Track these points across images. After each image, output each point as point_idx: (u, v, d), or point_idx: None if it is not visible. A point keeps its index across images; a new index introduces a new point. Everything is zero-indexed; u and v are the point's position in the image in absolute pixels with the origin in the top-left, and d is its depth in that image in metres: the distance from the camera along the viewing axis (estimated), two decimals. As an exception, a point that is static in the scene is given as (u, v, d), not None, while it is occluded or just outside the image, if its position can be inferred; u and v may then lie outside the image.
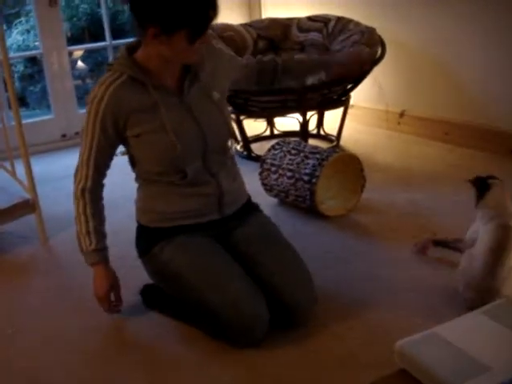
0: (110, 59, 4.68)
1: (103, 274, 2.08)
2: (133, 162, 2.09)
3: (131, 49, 1.99)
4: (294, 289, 2.00)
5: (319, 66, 2.68)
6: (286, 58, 2.24)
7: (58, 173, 3.78)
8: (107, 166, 2.07)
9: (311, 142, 3.83)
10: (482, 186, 2.12)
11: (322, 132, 4.12)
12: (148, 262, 2.12)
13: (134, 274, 2.26)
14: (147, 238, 2.11)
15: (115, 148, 2.04)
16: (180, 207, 2.07)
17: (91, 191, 2.04)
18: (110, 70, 1.96)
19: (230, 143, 2.17)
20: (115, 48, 4.66)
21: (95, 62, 6.20)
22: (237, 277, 1.98)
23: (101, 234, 2.07)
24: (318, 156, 2.85)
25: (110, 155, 2.05)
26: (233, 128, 2.16)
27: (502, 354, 0.98)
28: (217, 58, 2.12)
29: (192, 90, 2.03)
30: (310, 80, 3.46)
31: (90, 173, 2.02)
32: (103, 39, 4.70)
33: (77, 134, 4.38)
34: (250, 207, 2.26)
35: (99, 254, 2.06)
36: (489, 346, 1.01)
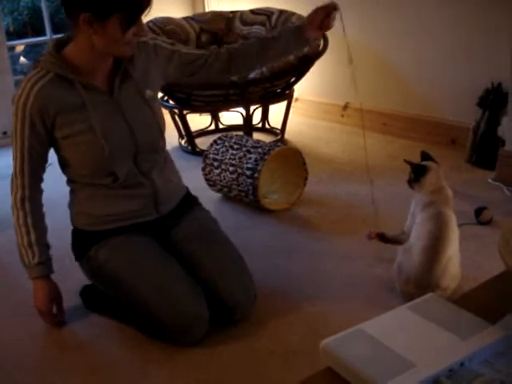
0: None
1: (45, 287, 2.02)
2: (62, 166, 2.04)
3: (60, 44, 1.92)
4: (232, 288, 1.99)
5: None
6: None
7: (-2, 171, 3.69)
8: (43, 169, 2.00)
9: (256, 135, 3.82)
10: (418, 170, 2.15)
11: (266, 125, 4.12)
12: (85, 265, 2.08)
13: (73, 275, 2.22)
14: (83, 241, 2.07)
15: (48, 149, 1.98)
16: (115, 209, 2.03)
17: (30, 200, 1.96)
18: (37, 68, 1.89)
19: (162, 142, 2.11)
20: (56, 43, 4.56)
21: (37, 56, 6.05)
22: (175, 276, 1.95)
23: (44, 246, 2.01)
24: (259, 150, 2.85)
25: (45, 158, 1.98)
26: (164, 127, 2.10)
27: (426, 350, 0.99)
28: (150, 55, 2.07)
29: (123, 88, 1.98)
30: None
31: (25, 181, 1.94)
32: (45, 34, 4.60)
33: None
34: (189, 202, 2.24)
35: (43, 267, 2.00)
36: (414, 341, 1.01)
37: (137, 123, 1.99)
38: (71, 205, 2.10)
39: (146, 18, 1.89)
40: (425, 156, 2.22)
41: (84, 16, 1.77)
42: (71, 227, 2.13)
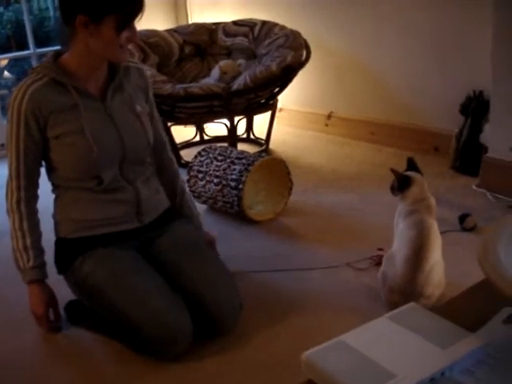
0: (35, 68, 4.58)
1: (41, 291, 2.04)
2: (49, 170, 2.05)
3: (58, 55, 1.99)
4: (217, 298, 1.99)
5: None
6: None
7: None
8: (38, 173, 2.03)
9: (241, 146, 3.83)
10: (403, 181, 2.15)
11: (251, 136, 4.13)
12: (69, 277, 2.07)
13: (59, 290, 2.20)
14: (67, 252, 2.06)
15: (42, 151, 1.99)
16: (97, 214, 2.04)
17: (26, 203, 1.99)
18: (33, 73, 1.95)
19: (149, 157, 2.16)
20: (40, 56, 4.56)
21: (22, 70, 6.04)
22: (158, 291, 1.95)
23: (39, 250, 2.03)
24: (244, 161, 2.85)
25: (40, 160, 2.01)
26: (151, 142, 2.14)
27: (407, 360, 0.98)
28: (145, 83, 2.15)
29: (115, 98, 2.03)
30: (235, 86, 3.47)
31: (21, 183, 1.97)
32: (28, 48, 4.58)
33: (2, 145, 4.26)
34: (171, 214, 2.25)
35: (38, 271, 2.02)
36: (395, 352, 1.01)
37: (126, 131, 2.03)
38: (55, 213, 2.11)
39: (137, 25, 1.95)
40: (411, 163, 2.23)
41: (80, 18, 1.84)
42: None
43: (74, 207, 2.05)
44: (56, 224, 2.10)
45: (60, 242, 2.10)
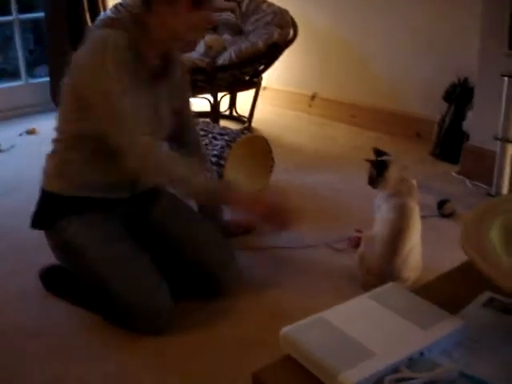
0: (17, 34, 4.49)
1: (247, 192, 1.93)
2: (76, 119, 1.94)
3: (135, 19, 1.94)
4: (221, 258, 2.08)
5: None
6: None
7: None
8: None
9: (223, 122, 3.81)
10: (380, 165, 2.15)
11: (234, 113, 4.10)
12: (52, 235, 2.03)
13: (36, 259, 2.17)
14: (53, 209, 2.01)
15: None
16: (96, 177, 1.99)
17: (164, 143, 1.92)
18: (107, 26, 1.95)
19: None
20: (22, 22, 4.48)
21: (3, 36, 5.95)
22: (141, 264, 1.94)
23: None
24: (226, 137, 2.83)
25: None
26: None
27: (387, 339, 0.98)
28: (186, 80, 2.20)
29: (160, 91, 2.02)
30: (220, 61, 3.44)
31: (149, 130, 1.87)
32: (11, 13, 4.48)
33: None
34: (155, 188, 2.24)
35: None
36: (375, 330, 1.01)
37: (162, 124, 2.04)
38: (49, 168, 2.04)
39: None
40: (378, 152, 2.23)
41: None
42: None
43: (72, 165, 1.99)
44: (47, 177, 2.04)
45: (47, 197, 2.05)
